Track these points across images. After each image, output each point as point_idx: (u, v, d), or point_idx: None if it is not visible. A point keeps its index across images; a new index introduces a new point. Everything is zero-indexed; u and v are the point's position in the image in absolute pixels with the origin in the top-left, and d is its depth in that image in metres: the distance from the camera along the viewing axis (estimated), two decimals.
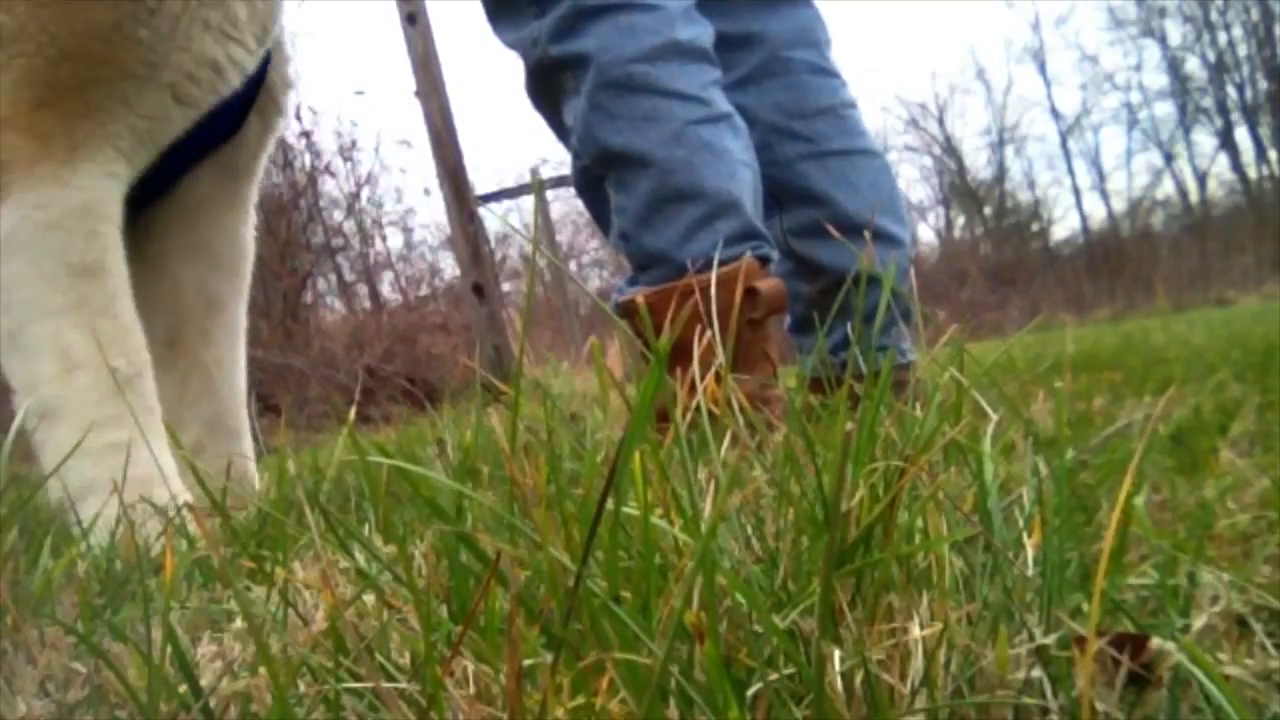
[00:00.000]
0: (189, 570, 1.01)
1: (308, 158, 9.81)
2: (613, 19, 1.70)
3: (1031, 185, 21.38)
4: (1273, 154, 18.72)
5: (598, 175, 1.79)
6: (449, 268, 10.82)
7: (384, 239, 10.81)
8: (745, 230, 1.69)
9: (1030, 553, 0.64)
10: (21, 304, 1.13)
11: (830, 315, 1.55)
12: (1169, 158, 20.08)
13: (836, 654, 0.52)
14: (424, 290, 10.78)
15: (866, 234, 1.60)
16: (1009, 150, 21.26)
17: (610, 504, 0.51)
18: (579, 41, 1.72)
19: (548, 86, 1.83)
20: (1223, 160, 19.67)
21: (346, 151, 9.99)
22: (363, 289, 10.89)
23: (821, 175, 1.93)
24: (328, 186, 10.17)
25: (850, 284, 1.80)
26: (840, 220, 1.87)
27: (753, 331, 1.65)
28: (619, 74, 1.69)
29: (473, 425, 0.99)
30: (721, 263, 1.58)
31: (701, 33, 1.75)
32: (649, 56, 1.69)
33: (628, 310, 1.69)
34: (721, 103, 1.74)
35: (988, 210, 21.10)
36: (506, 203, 9.09)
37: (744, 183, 1.71)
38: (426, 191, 12.65)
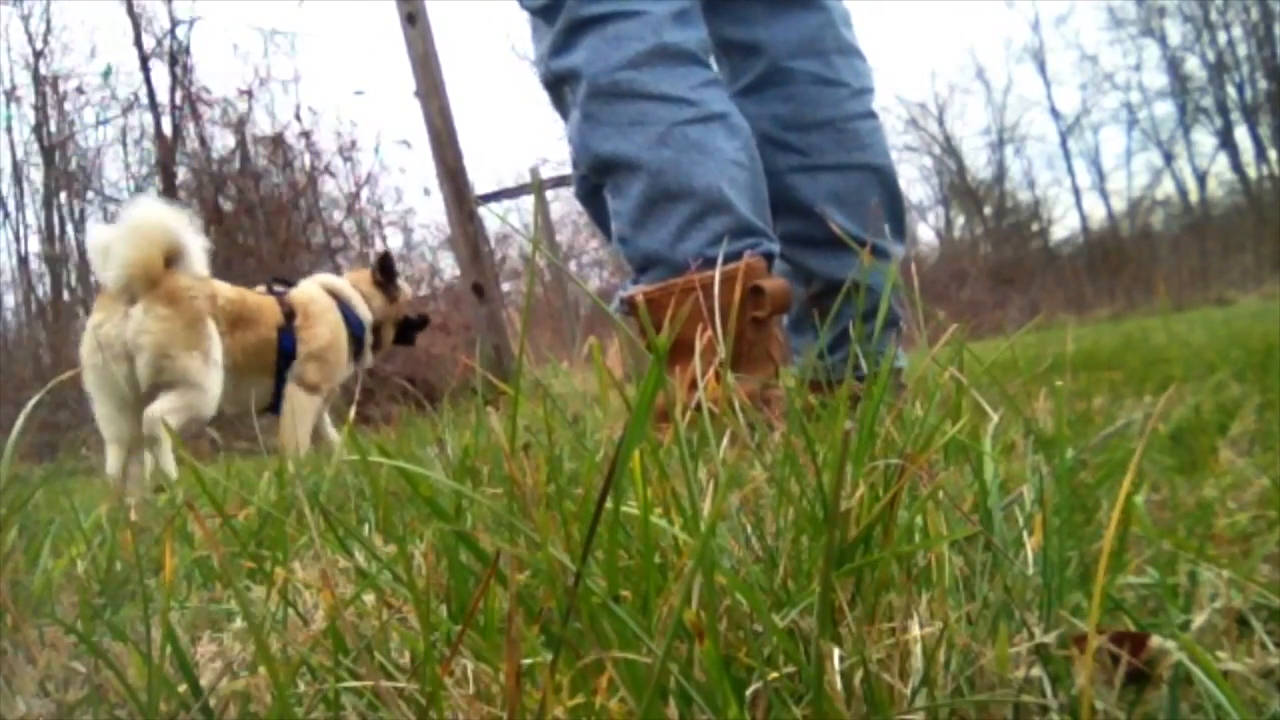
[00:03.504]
0: (189, 570, 1.01)
1: (308, 158, 9.82)
2: (600, 30, 1.72)
3: (1031, 185, 21.45)
4: (1273, 154, 18.75)
5: (595, 184, 1.81)
6: (449, 268, 10.81)
7: (384, 239, 10.79)
8: (740, 227, 1.68)
9: (1030, 552, 0.64)
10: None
11: (822, 323, 1.55)
12: (1169, 157, 20.12)
13: (836, 653, 0.52)
14: (424, 290, 10.78)
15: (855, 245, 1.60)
16: (1009, 150, 21.32)
17: (610, 503, 0.51)
18: (571, 55, 1.75)
19: (557, 100, 1.87)
20: (1223, 160, 19.71)
21: (346, 151, 9.99)
22: None
23: (810, 188, 1.93)
24: (328, 186, 10.17)
25: (841, 291, 1.83)
26: (826, 233, 1.88)
27: (756, 330, 1.64)
28: (605, 83, 1.71)
29: (473, 425, 0.99)
30: (717, 260, 1.59)
31: (692, 35, 1.75)
32: (634, 63, 1.70)
33: (632, 307, 1.69)
34: (714, 102, 1.74)
35: (988, 210, 21.11)
36: (506, 203, 9.11)
37: (737, 181, 1.71)
38: (426, 191, 12.64)
